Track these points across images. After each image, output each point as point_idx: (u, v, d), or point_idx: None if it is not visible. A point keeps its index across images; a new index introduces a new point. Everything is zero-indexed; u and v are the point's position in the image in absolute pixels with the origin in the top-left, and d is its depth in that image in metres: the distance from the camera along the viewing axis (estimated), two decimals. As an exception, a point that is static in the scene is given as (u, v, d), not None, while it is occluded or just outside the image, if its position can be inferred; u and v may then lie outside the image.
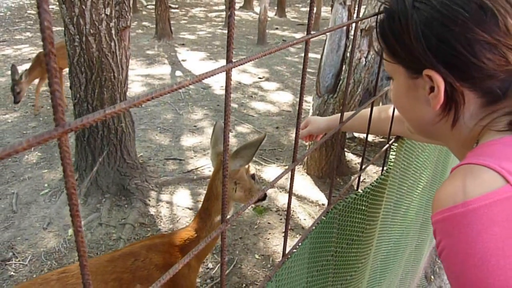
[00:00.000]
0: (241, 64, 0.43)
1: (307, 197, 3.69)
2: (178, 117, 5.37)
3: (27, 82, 4.97)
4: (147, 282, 1.54)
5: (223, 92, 6.28)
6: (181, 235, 1.73)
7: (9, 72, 4.92)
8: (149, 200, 3.51)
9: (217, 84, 6.65)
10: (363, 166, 1.05)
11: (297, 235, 3.14)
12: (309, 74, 6.93)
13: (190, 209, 3.45)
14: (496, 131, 0.65)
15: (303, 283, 0.86)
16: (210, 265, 2.84)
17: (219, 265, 2.83)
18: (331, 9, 3.80)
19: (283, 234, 0.70)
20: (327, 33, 3.77)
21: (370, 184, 1.04)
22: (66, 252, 2.92)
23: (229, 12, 0.40)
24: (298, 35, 11.30)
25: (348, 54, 3.68)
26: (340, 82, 3.70)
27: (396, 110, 1.01)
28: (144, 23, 12.15)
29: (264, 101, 6.14)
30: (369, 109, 1.05)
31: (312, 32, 0.57)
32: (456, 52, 0.63)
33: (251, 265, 2.85)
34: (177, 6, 15.75)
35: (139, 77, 7.02)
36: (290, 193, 0.66)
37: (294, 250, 0.75)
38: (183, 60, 8.24)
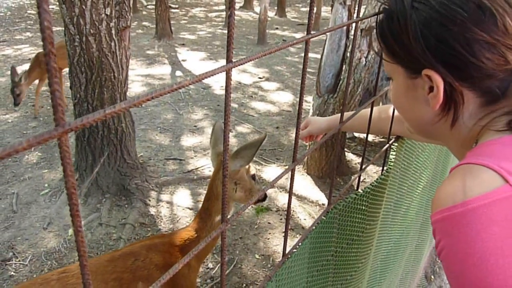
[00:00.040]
0: (241, 64, 0.43)
1: (307, 197, 3.69)
2: (178, 117, 5.37)
3: (27, 84, 4.96)
4: (147, 282, 1.54)
5: (223, 92, 6.28)
6: (181, 235, 1.73)
7: (9, 72, 4.92)
8: (149, 200, 3.51)
9: (217, 84, 6.65)
10: (363, 166, 1.05)
11: (297, 235, 3.14)
12: (309, 74, 6.93)
13: (190, 209, 3.45)
14: (495, 131, 0.65)
15: (303, 283, 0.86)
16: (210, 265, 2.84)
17: (219, 265, 2.83)
18: (331, 9, 3.80)
19: (283, 234, 0.70)
20: (327, 33, 3.77)
21: (370, 184, 1.04)
22: (66, 252, 2.92)
23: (229, 12, 0.40)
24: (298, 35, 11.30)
25: (348, 54, 3.68)
26: (340, 82, 3.70)
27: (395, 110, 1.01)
28: (144, 23, 12.15)
29: (264, 101, 6.14)
30: (369, 109, 1.05)
31: (312, 32, 0.57)
32: (455, 52, 0.63)
33: (251, 265, 2.85)
34: (177, 6, 15.76)
35: (139, 77, 7.02)
36: (290, 193, 0.66)
37: (294, 250, 0.75)
38: (183, 60, 8.24)
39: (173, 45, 9.41)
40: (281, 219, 3.36)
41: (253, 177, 1.77)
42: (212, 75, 0.39)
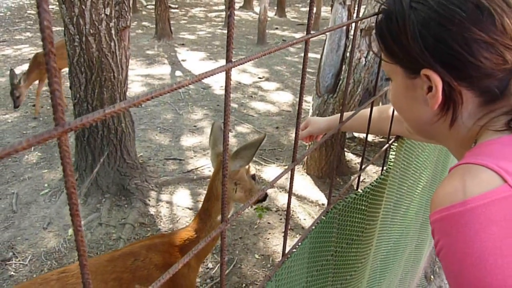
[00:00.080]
0: (241, 64, 0.43)
1: (307, 197, 3.69)
2: (178, 117, 5.37)
3: (26, 86, 4.96)
4: (147, 282, 1.54)
5: (223, 92, 6.28)
6: (181, 235, 1.73)
7: (9, 74, 4.92)
8: (149, 200, 3.51)
9: (217, 84, 6.65)
10: (363, 166, 1.05)
11: (297, 235, 3.14)
12: (309, 74, 6.93)
13: (190, 209, 3.45)
14: (494, 131, 0.65)
15: (303, 282, 0.86)
16: (210, 265, 2.84)
17: (219, 265, 2.83)
18: (331, 9, 3.80)
19: (283, 234, 0.70)
20: (327, 33, 3.77)
21: (370, 184, 1.04)
22: (66, 252, 2.92)
23: (229, 12, 0.40)
24: (298, 35, 11.30)
25: (348, 54, 3.68)
26: (340, 82, 3.70)
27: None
28: (144, 23, 12.15)
29: (264, 101, 6.14)
30: (369, 109, 1.05)
31: (311, 32, 0.57)
32: (453, 52, 0.63)
33: (251, 265, 2.85)
34: (177, 6, 15.76)
35: (139, 77, 7.02)
36: (290, 193, 0.66)
37: (294, 250, 0.75)
38: (183, 60, 8.24)
39: (172, 45, 9.41)
40: (280, 219, 3.36)
41: (253, 177, 1.77)
42: (212, 75, 0.39)
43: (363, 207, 1.02)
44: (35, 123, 5.04)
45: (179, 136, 4.82)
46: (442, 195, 0.60)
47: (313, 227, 0.82)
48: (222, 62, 8.13)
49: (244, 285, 2.69)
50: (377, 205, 1.10)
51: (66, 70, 5.13)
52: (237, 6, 15.65)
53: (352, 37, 3.64)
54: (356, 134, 4.85)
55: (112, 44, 3.21)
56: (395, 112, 1.08)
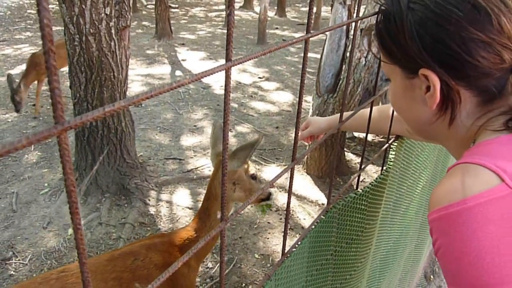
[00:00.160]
0: (241, 63, 0.43)
1: (307, 196, 3.69)
2: (178, 117, 5.37)
3: (26, 90, 4.96)
4: (146, 282, 1.54)
5: (223, 91, 6.26)
6: (180, 235, 1.74)
7: (10, 72, 4.91)
8: (149, 200, 3.51)
9: (217, 83, 6.65)
10: (363, 166, 1.05)
11: (297, 235, 3.14)
12: (309, 73, 6.93)
13: (190, 208, 3.45)
14: (492, 131, 0.65)
15: (302, 282, 0.86)
16: (210, 265, 2.85)
17: (218, 264, 2.83)
18: (331, 9, 3.80)
19: (282, 234, 0.70)
20: (327, 33, 3.77)
21: (370, 184, 1.04)
22: (66, 251, 2.92)
23: (228, 11, 0.40)
24: (298, 35, 11.30)
25: (348, 54, 3.68)
26: (340, 81, 3.70)
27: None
28: (144, 22, 12.15)
29: (264, 101, 6.14)
30: (369, 108, 1.05)
31: (311, 31, 0.57)
32: (451, 51, 0.64)
33: (251, 265, 2.85)
34: (177, 5, 15.75)
35: (139, 76, 7.02)
36: (290, 192, 0.66)
37: (294, 249, 0.75)
38: (183, 60, 8.24)
39: (173, 45, 9.41)
40: (280, 218, 3.36)
41: (253, 177, 1.77)
42: (212, 74, 0.39)
43: (362, 207, 1.02)
44: (35, 123, 5.04)
45: (179, 136, 4.82)
46: (440, 194, 0.61)
47: (313, 227, 0.82)
48: (222, 61, 8.12)
49: (244, 284, 2.69)
50: (376, 204, 1.10)
51: (64, 69, 5.14)
52: (237, 6, 15.65)
53: (352, 37, 3.64)
54: (356, 134, 4.85)
55: (112, 43, 3.21)
56: (395, 112, 1.09)
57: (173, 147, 4.54)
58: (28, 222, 3.20)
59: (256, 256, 2.93)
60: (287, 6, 15.40)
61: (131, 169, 3.60)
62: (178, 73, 7.43)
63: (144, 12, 14.17)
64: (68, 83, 3.44)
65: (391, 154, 1.17)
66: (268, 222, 3.30)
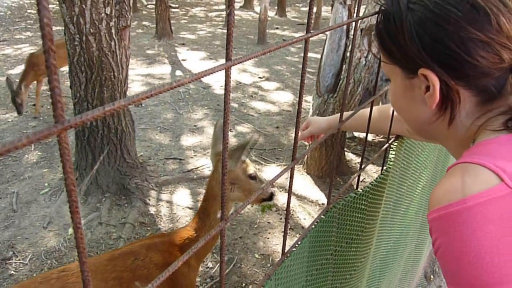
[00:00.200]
0: (241, 62, 0.43)
1: (307, 196, 3.69)
2: (178, 117, 5.37)
3: (26, 91, 4.96)
4: (146, 281, 1.54)
5: (223, 91, 6.27)
6: (180, 235, 1.74)
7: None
8: (149, 200, 3.51)
9: (217, 83, 6.65)
10: (363, 166, 1.05)
11: (297, 235, 3.14)
12: (309, 73, 6.93)
13: (190, 208, 3.45)
14: (492, 131, 0.65)
15: (302, 281, 0.86)
16: (210, 264, 2.85)
17: (219, 264, 2.83)
18: (331, 9, 3.80)
19: (283, 233, 0.70)
20: (327, 33, 3.77)
21: (370, 183, 1.04)
22: (66, 251, 2.92)
23: (228, 10, 0.40)
24: (298, 35, 11.27)
25: (348, 54, 3.68)
26: (340, 81, 3.70)
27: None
28: (144, 22, 12.15)
29: (264, 100, 6.14)
30: (369, 108, 1.05)
31: (311, 31, 0.57)
32: (450, 51, 0.64)
33: (251, 265, 2.85)
34: (177, 5, 15.75)
35: (139, 76, 7.02)
36: (290, 191, 0.66)
37: (294, 249, 0.75)
38: (183, 60, 8.24)
39: (173, 45, 9.41)
40: (280, 218, 3.36)
41: (252, 177, 1.77)
42: (212, 73, 0.39)
43: (362, 207, 1.02)
44: (35, 123, 5.04)
45: (179, 136, 4.82)
46: (439, 194, 0.61)
47: (313, 226, 0.82)
48: (223, 61, 8.13)
49: (244, 284, 2.69)
50: (377, 204, 1.10)
51: (64, 69, 5.14)
52: (237, 5, 15.65)
53: (352, 36, 3.64)
54: (356, 134, 4.85)
55: (112, 43, 3.21)
56: (395, 112, 1.09)
57: (173, 147, 4.54)
58: (28, 222, 3.20)
59: (256, 256, 2.93)
60: (287, 6, 15.40)
61: (131, 169, 3.60)
62: (178, 73, 7.43)
63: (144, 12, 14.17)
64: (68, 83, 3.44)
65: (391, 154, 1.17)
66: (268, 222, 3.30)
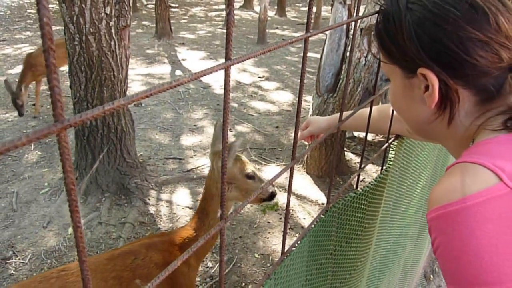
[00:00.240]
0: (240, 62, 0.43)
1: (307, 196, 3.69)
2: (178, 117, 5.37)
3: (26, 92, 4.96)
4: (146, 280, 1.54)
5: (223, 91, 6.27)
6: (180, 234, 1.74)
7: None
8: (149, 199, 3.51)
9: (217, 83, 6.65)
10: (362, 165, 1.05)
11: (297, 234, 3.14)
12: (309, 73, 6.93)
13: (190, 208, 3.45)
14: (491, 130, 0.66)
15: (302, 281, 0.86)
16: (210, 264, 2.85)
17: (218, 263, 2.83)
18: (331, 9, 3.80)
19: (282, 233, 0.70)
20: (327, 33, 3.77)
21: (369, 183, 1.04)
22: (66, 250, 2.92)
23: (228, 10, 0.41)
24: (298, 34, 11.27)
25: (348, 54, 3.68)
26: (340, 81, 3.70)
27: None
28: (144, 22, 12.14)
29: (264, 100, 6.14)
30: (369, 108, 1.05)
31: (311, 31, 0.57)
32: (448, 50, 0.64)
33: (251, 264, 2.85)
34: (177, 5, 15.75)
35: (139, 76, 7.02)
36: (289, 191, 0.66)
37: (293, 248, 0.75)
38: (183, 60, 8.24)
39: (173, 45, 9.41)
40: (280, 218, 3.36)
41: (249, 176, 1.75)
42: (211, 73, 0.39)
43: (362, 206, 1.02)
44: (35, 122, 5.04)
45: (179, 135, 4.82)
46: (439, 194, 0.61)
47: (312, 226, 0.82)
48: (222, 61, 8.12)
49: (243, 284, 2.69)
50: (376, 204, 1.10)
51: (62, 68, 5.14)
52: (237, 5, 15.65)
53: (352, 36, 3.64)
54: (356, 134, 4.85)
55: (112, 43, 3.21)
56: (395, 112, 1.09)
57: (173, 146, 4.54)
58: (28, 222, 3.20)
59: (256, 255, 2.94)
60: (287, 6, 15.40)
61: (131, 169, 3.60)
62: (178, 72, 7.43)
63: (144, 12, 14.17)
64: (68, 83, 3.44)
65: (390, 153, 1.17)
66: (268, 222, 3.30)
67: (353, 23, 0.78)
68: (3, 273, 2.71)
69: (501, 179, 0.56)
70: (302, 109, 0.63)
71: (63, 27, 3.10)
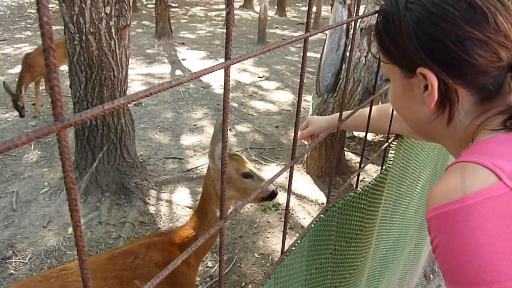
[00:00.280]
0: (240, 61, 0.43)
1: (307, 196, 3.69)
2: (178, 116, 5.37)
3: (25, 94, 4.96)
4: (146, 280, 1.55)
5: (223, 91, 6.27)
6: (179, 234, 1.74)
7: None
8: (149, 199, 3.52)
9: (217, 83, 6.65)
10: (362, 165, 1.05)
11: (297, 234, 3.14)
12: (309, 73, 6.93)
13: (190, 207, 3.45)
14: (491, 130, 0.66)
15: (302, 280, 0.86)
16: (210, 264, 2.85)
17: (218, 263, 2.83)
18: (331, 8, 3.80)
19: (282, 233, 0.70)
20: (327, 32, 3.77)
21: (369, 183, 1.04)
22: (66, 250, 2.92)
23: (228, 9, 0.41)
24: (298, 34, 11.27)
25: (348, 53, 3.68)
26: (340, 81, 3.70)
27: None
28: (144, 22, 12.14)
29: (264, 100, 6.14)
30: (369, 107, 1.05)
31: (310, 30, 0.57)
32: (447, 50, 0.64)
33: (251, 264, 2.85)
34: (177, 5, 15.75)
35: (139, 76, 7.02)
36: (289, 191, 0.67)
37: (293, 248, 0.75)
38: (183, 59, 8.24)
39: (173, 44, 9.40)
40: (280, 218, 3.36)
41: (246, 175, 1.73)
42: (211, 72, 0.39)
43: (362, 206, 1.02)
44: (35, 122, 5.04)
45: (179, 135, 4.82)
46: (438, 193, 0.61)
47: (312, 225, 0.82)
48: (222, 61, 8.12)
49: (243, 283, 2.69)
50: (376, 203, 1.10)
51: (62, 68, 5.13)
52: (237, 5, 15.64)
53: (352, 36, 3.64)
54: (356, 133, 4.85)
55: (112, 43, 3.21)
56: (394, 111, 1.09)
57: (173, 146, 4.54)
58: (28, 221, 3.21)
59: (256, 255, 2.94)
60: (287, 6, 15.39)
61: (131, 168, 3.60)
62: (178, 72, 7.43)
63: (144, 11, 14.17)
64: (68, 82, 3.44)
65: (390, 153, 1.17)
66: (268, 222, 3.30)
67: (353, 22, 0.78)
68: (3, 272, 2.71)
69: (500, 179, 0.57)
70: (302, 109, 0.63)
71: (63, 27, 3.10)
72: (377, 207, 1.12)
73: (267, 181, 0.59)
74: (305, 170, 4.09)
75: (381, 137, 4.73)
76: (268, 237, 3.12)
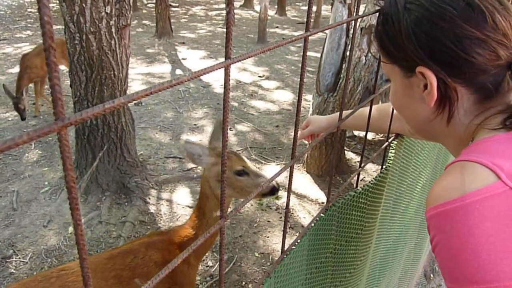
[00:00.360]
0: (240, 61, 0.43)
1: (307, 195, 3.69)
2: (178, 116, 5.37)
3: (26, 94, 4.95)
4: (146, 279, 1.55)
5: (223, 90, 6.26)
6: (179, 233, 1.74)
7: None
8: (149, 198, 3.52)
9: (217, 82, 6.65)
10: (362, 164, 1.05)
11: (297, 233, 3.14)
12: (309, 72, 6.93)
13: (190, 207, 3.45)
14: (490, 129, 0.66)
15: (302, 280, 0.86)
16: (210, 263, 2.85)
17: (218, 262, 2.83)
18: (331, 8, 3.80)
19: (282, 232, 0.70)
20: (327, 32, 3.77)
21: (369, 182, 1.04)
22: (66, 249, 2.92)
23: (228, 9, 0.41)
24: (298, 34, 11.27)
25: (348, 53, 3.68)
26: (340, 80, 3.70)
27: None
28: (144, 21, 12.14)
29: (264, 99, 6.14)
30: (369, 107, 1.05)
31: (311, 30, 0.57)
32: (446, 48, 0.65)
33: (251, 263, 2.86)
34: (177, 4, 15.74)
35: (139, 75, 7.02)
36: (289, 190, 0.67)
37: (293, 247, 0.75)
38: (183, 59, 8.24)
39: (173, 44, 9.40)
40: (280, 217, 3.36)
41: (239, 173, 1.69)
42: (211, 71, 0.39)
43: (362, 205, 1.02)
44: (35, 121, 5.05)
45: (179, 135, 4.82)
46: (437, 192, 0.61)
47: (312, 225, 0.82)
48: (223, 60, 8.11)
49: (243, 283, 2.69)
50: (376, 203, 1.10)
51: (62, 68, 5.13)
52: (237, 4, 15.64)
53: (352, 35, 3.64)
54: (356, 133, 4.85)
55: (113, 42, 3.21)
56: (395, 111, 1.09)
57: (173, 145, 4.54)
58: (29, 221, 3.21)
59: (256, 254, 2.94)
60: (287, 5, 15.38)
61: (132, 168, 3.60)
62: (178, 71, 7.43)
63: (144, 11, 14.16)
64: (68, 82, 3.44)
65: (390, 152, 1.17)
66: (268, 221, 3.30)
67: (353, 22, 0.78)
68: (3, 272, 2.71)
69: (499, 178, 0.57)
70: (302, 108, 0.63)
71: (63, 26, 3.10)
72: (377, 207, 1.12)
73: (267, 181, 0.60)
74: (305, 169, 4.09)
75: (381, 137, 4.73)
76: (268, 237, 3.12)
